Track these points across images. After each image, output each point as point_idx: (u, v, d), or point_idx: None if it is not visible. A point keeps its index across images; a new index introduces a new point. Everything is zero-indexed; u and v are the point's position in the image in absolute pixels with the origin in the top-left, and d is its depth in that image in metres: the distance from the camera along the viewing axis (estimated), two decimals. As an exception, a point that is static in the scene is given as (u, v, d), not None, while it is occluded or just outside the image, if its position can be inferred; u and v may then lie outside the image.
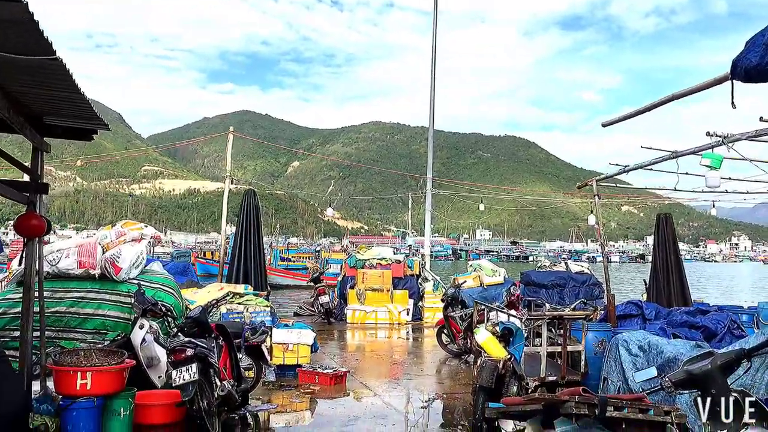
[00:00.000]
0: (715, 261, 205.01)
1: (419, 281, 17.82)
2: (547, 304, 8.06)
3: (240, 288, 10.24)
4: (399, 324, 16.72)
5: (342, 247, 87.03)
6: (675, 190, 9.15)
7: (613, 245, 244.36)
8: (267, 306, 9.81)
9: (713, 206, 20.46)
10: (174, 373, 6.16)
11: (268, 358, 8.79)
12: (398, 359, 11.65)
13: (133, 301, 7.85)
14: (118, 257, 8.42)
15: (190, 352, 6.24)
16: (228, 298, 9.86)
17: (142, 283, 8.29)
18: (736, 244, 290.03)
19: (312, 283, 17.76)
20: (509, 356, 6.40)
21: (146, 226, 9.24)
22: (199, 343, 6.41)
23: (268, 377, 9.67)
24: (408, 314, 17.03)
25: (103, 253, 8.57)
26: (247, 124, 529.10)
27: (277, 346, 9.74)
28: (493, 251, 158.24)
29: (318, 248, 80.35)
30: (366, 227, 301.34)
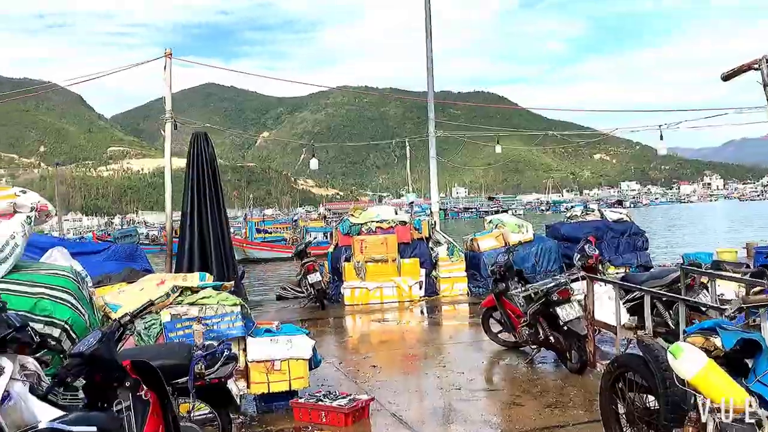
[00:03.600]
0: (691, 201, 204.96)
1: (430, 245, 14.30)
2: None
3: (192, 279, 6.67)
4: (411, 302, 13.23)
5: (319, 214, 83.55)
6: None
7: (588, 194, 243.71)
8: (236, 304, 6.23)
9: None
10: None
11: (238, 399, 5.27)
12: (432, 360, 8.17)
13: (-18, 325, 4.27)
14: (-36, 246, 4.83)
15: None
16: (173, 297, 6.27)
17: (2, 289, 4.74)
18: (709, 184, 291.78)
19: (297, 258, 14.14)
20: (756, 398, 2.94)
21: (23, 192, 5.58)
22: (70, 428, 2.85)
23: (243, 409, 6.25)
24: (421, 288, 13.54)
25: (-58, 240, 5.01)
26: (213, 98, 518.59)
27: (257, 366, 6.21)
28: (471, 208, 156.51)
29: (295, 218, 76.85)
30: (341, 194, 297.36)
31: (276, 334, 6.43)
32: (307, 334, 6.58)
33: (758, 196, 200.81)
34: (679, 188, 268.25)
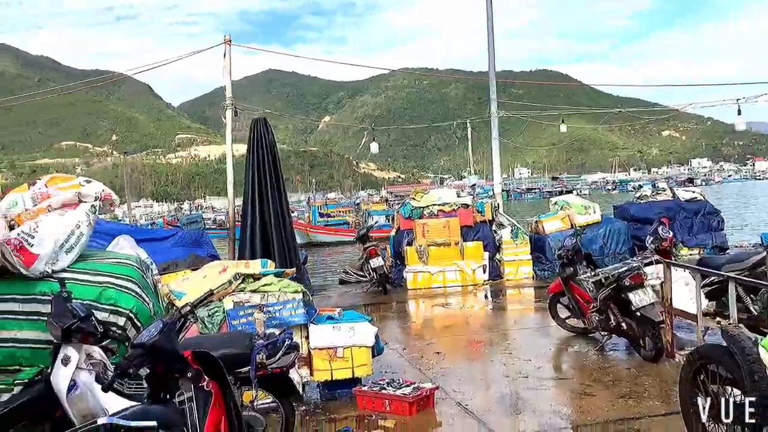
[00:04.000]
0: (767, 178, 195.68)
1: (493, 228, 14.02)
2: None
3: (254, 266, 6.66)
4: (475, 286, 13.02)
5: (381, 197, 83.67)
6: None
7: (657, 172, 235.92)
8: (297, 292, 6.18)
9: None
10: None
11: (301, 388, 5.19)
12: (498, 347, 7.97)
13: (49, 315, 4.35)
14: (31, 237, 4.89)
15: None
16: (235, 284, 6.27)
17: (68, 278, 4.78)
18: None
19: (360, 242, 14.10)
20: None
21: (87, 181, 5.63)
22: (129, 423, 2.82)
23: (307, 397, 6.23)
24: (484, 272, 13.31)
25: (10, 230, 5.08)
26: (275, 83, 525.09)
27: (319, 354, 6.15)
28: (534, 189, 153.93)
29: (357, 201, 77.11)
30: (402, 176, 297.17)
31: (338, 321, 6.36)
32: (369, 321, 6.49)
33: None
34: (753, 164, 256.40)
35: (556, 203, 14.99)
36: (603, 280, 6.86)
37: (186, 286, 6.32)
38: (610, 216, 15.29)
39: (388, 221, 31.14)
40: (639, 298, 6.45)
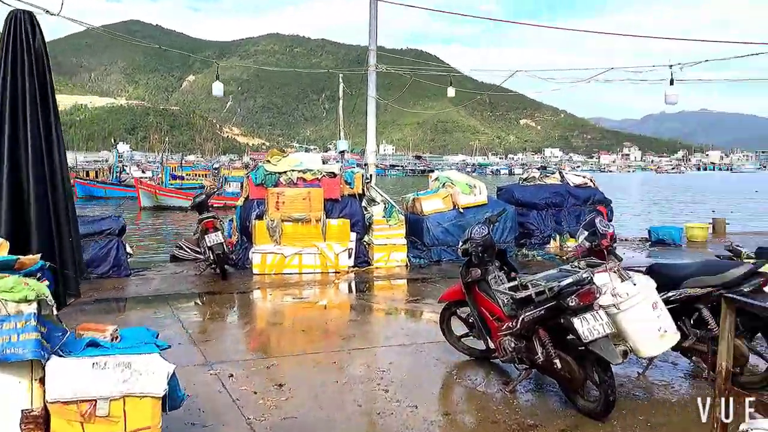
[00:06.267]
0: (611, 171, 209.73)
1: (363, 204, 11.65)
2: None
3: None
4: (337, 273, 10.61)
5: (243, 163, 79.27)
6: None
7: (513, 158, 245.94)
8: (27, 300, 3.43)
9: None
10: None
11: None
12: (368, 379, 5.54)
13: None
14: None
15: None
16: None
17: None
18: (627, 155, 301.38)
19: (195, 212, 11.18)
20: None
21: None
22: None
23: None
24: (350, 257, 10.95)
25: None
26: (137, 35, 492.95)
27: (64, 410, 3.46)
28: (397, 166, 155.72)
29: (217, 165, 72.54)
30: (267, 143, 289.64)
31: (106, 352, 3.68)
32: (162, 350, 3.86)
33: (672, 169, 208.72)
34: (599, 158, 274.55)
35: (437, 179, 12.87)
36: (534, 296, 4.60)
37: None
38: (494, 198, 13.46)
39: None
40: (589, 327, 4.26)
